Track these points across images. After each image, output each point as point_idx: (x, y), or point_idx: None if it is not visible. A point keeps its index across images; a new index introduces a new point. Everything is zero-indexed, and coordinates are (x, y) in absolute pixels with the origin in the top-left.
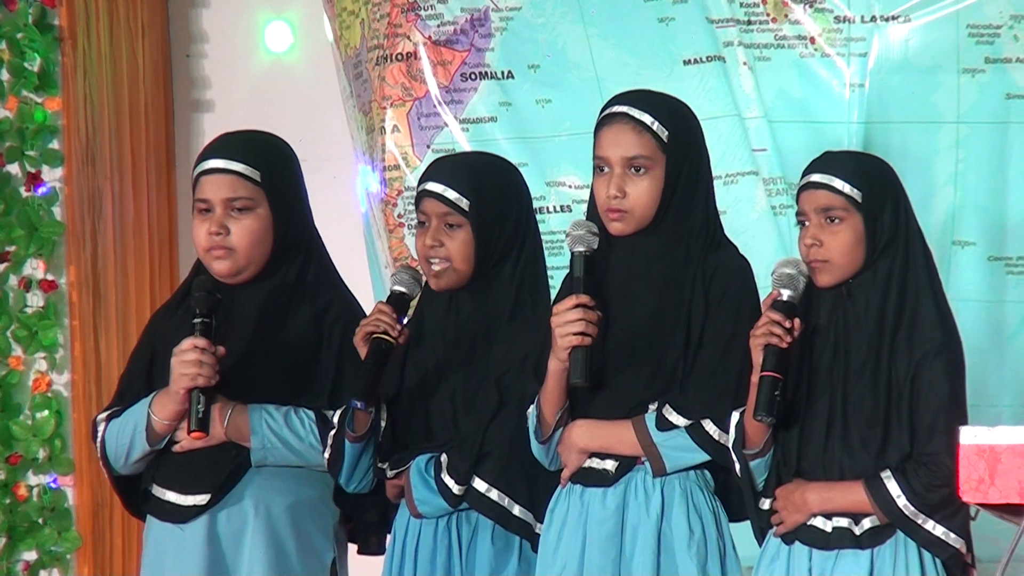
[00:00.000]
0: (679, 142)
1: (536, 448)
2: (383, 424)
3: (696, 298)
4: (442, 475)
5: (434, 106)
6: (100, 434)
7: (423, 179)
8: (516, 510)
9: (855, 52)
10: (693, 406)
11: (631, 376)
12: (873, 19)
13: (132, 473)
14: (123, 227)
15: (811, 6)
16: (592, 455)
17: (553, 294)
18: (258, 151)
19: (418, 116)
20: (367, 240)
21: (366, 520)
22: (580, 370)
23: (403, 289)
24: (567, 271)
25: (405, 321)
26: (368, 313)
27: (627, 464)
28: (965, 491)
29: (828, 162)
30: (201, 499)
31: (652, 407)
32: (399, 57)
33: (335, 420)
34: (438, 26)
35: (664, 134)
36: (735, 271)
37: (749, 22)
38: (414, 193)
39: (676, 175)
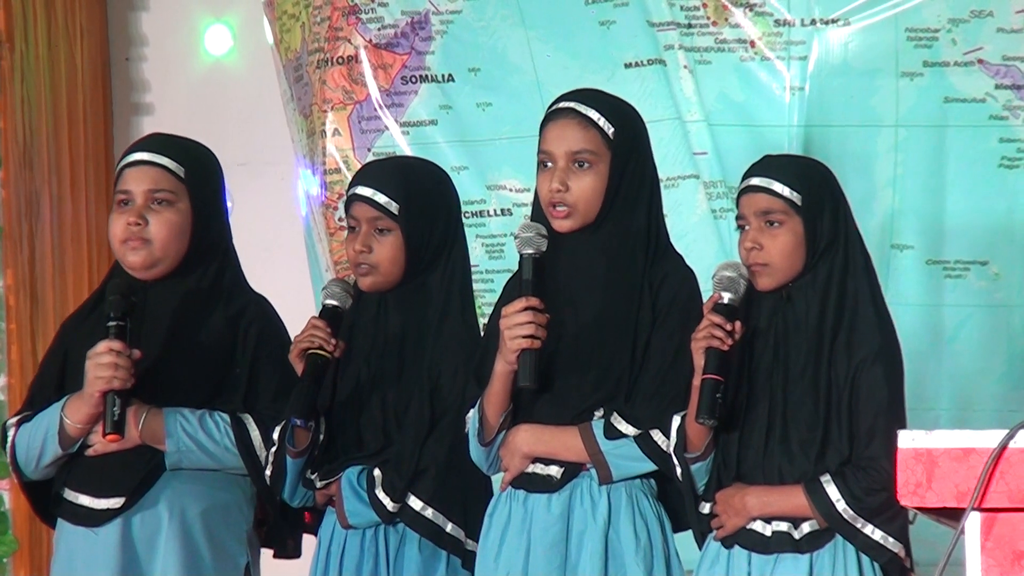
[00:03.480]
0: (625, 139)
1: (476, 451)
2: (322, 439)
3: (643, 307)
4: (376, 491)
5: (375, 109)
6: (10, 439)
7: (352, 184)
8: (449, 527)
9: (795, 55)
10: (642, 416)
11: (576, 381)
12: (813, 22)
13: (42, 478)
14: (61, 231)
15: (751, 9)
16: (536, 460)
17: (493, 297)
18: (183, 150)
19: (359, 119)
20: (308, 243)
21: (289, 524)
22: (529, 373)
23: (335, 302)
24: (508, 274)
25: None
26: (287, 323)
27: (572, 470)
28: (903, 495)
29: (768, 165)
30: (115, 503)
31: (598, 414)
32: (340, 60)
33: (275, 437)
34: (379, 29)
35: (610, 130)
36: (682, 281)
37: (690, 25)
38: None
39: (620, 172)
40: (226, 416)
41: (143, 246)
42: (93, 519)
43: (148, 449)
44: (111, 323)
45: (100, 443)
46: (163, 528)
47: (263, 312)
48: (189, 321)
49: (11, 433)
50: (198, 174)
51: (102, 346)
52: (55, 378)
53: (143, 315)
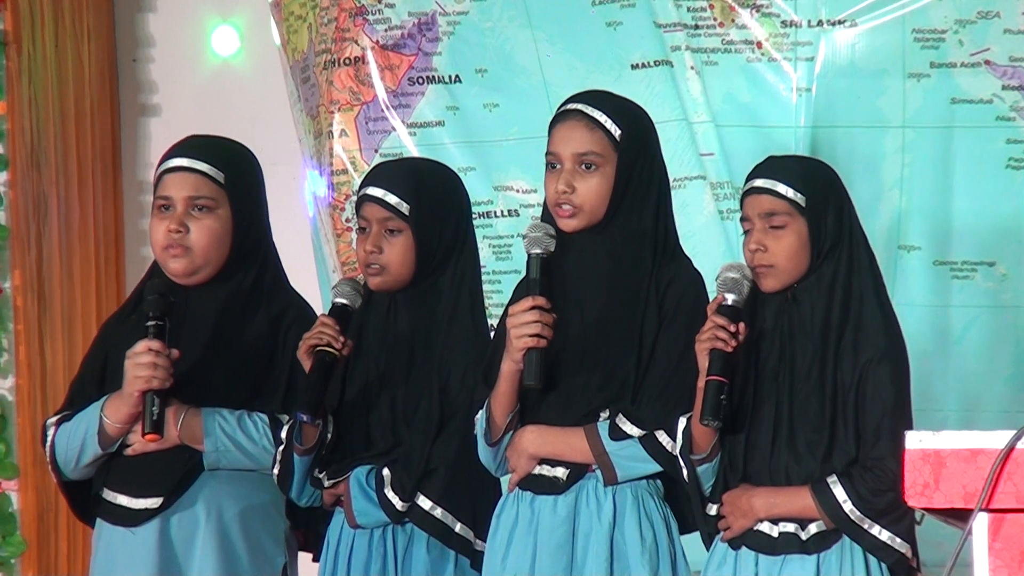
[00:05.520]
0: (631, 141)
1: (484, 452)
2: (330, 436)
3: (650, 309)
4: (385, 490)
5: (382, 110)
6: (50, 438)
7: (364, 184)
8: (458, 527)
9: (802, 56)
10: (647, 417)
11: (582, 381)
12: (820, 23)
13: (81, 478)
14: (68, 231)
15: (758, 11)
16: (542, 461)
17: (501, 298)
18: (224, 154)
19: (366, 120)
20: (315, 244)
21: (319, 530)
22: (534, 372)
23: (344, 301)
24: (515, 275)
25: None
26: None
27: (578, 472)
28: (910, 496)
29: (771, 167)
30: (153, 502)
31: (603, 415)
32: (347, 61)
33: (283, 435)
34: (386, 30)
35: (616, 132)
36: (689, 284)
37: (696, 26)
38: None
39: (627, 174)
40: (264, 417)
41: (184, 254)
42: (131, 519)
43: (186, 449)
44: (150, 323)
45: (139, 443)
46: (200, 528)
47: (303, 314)
48: (230, 323)
49: (51, 433)
50: (238, 179)
51: (141, 345)
52: (95, 378)
53: (184, 317)
